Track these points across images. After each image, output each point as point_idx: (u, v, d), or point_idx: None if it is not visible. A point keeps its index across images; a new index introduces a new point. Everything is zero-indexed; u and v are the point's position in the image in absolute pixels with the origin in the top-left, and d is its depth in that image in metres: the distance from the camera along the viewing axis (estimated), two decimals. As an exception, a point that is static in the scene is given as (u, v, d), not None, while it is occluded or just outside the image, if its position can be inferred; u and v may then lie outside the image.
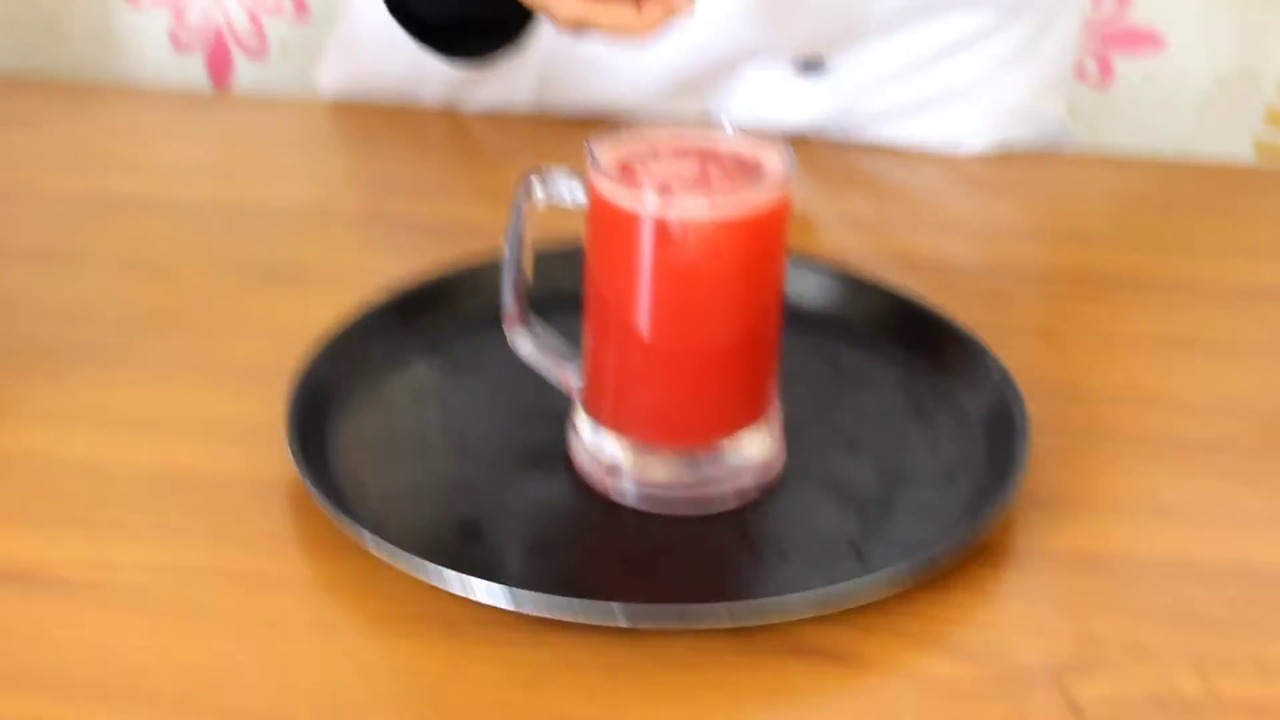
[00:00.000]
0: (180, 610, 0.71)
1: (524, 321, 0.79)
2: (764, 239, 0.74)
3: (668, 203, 0.72)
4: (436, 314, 0.89)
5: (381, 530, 0.73)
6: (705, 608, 0.70)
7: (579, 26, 0.75)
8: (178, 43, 1.43)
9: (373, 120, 1.14)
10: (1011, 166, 1.11)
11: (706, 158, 0.76)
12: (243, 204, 1.03)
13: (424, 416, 0.83)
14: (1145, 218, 1.04)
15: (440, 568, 0.70)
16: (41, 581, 0.72)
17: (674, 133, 0.77)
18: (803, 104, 1.11)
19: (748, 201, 0.72)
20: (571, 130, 1.14)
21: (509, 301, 0.79)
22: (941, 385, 0.85)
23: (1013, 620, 0.71)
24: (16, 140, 1.10)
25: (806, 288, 0.92)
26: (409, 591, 0.71)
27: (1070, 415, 0.84)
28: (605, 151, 0.75)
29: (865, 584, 0.71)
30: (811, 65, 1.10)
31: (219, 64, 1.44)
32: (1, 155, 1.09)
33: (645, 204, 0.72)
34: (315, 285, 0.94)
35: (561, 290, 0.86)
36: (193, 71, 1.43)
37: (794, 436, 0.81)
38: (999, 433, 0.80)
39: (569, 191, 0.76)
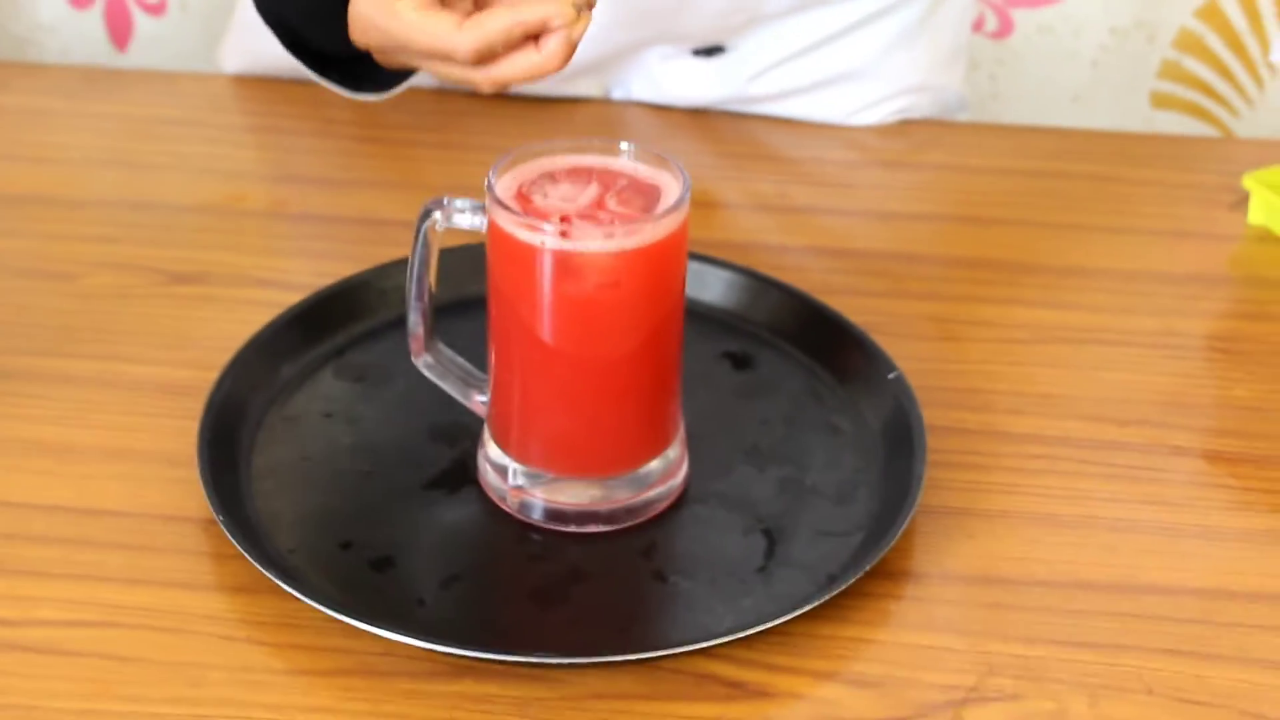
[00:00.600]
0: (100, 655, 0.72)
1: (430, 349, 0.80)
2: (662, 267, 0.76)
3: (565, 235, 0.73)
4: (344, 325, 0.90)
5: (296, 571, 0.75)
6: (614, 645, 0.72)
7: (501, 88, 0.76)
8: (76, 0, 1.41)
9: (276, 99, 1.13)
10: (907, 138, 1.12)
11: (604, 181, 0.77)
12: (148, 200, 1.02)
13: (335, 436, 0.84)
14: (1038, 193, 1.06)
15: (352, 618, 0.71)
16: (-41, 627, 0.74)
17: (572, 153, 0.78)
18: (701, 83, 1.12)
19: (645, 232, 0.74)
20: (474, 104, 1.14)
21: (414, 329, 0.80)
22: (841, 391, 0.87)
23: (912, 647, 0.74)
24: (-87, 128, 1.10)
25: (707, 285, 0.93)
26: (326, 626, 0.73)
27: (966, 421, 0.87)
28: (502, 175, 0.76)
29: (769, 613, 0.74)
30: (710, 49, 1.11)
31: (118, 21, 1.42)
32: (-102, 145, 1.08)
33: (543, 237, 0.73)
34: (223, 288, 0.95)
35: (466, 294, 0.88)
36: (91, 29, 1.41)
37: (697, 446, 0.83)
38: (897, 444, 0.83)
39: (469, 221, 0.77)
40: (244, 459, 0.82)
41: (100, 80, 1.16)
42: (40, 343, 0.90)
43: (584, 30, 0.78)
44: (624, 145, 0.78)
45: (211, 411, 0.82)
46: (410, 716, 0.70)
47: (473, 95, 1.14)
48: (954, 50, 1.15)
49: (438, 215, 0.77)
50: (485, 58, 0.76)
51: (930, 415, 0.86)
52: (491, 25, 0.75)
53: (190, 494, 0.79)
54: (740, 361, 0.90)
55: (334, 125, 1.11)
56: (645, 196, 0.76)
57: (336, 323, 0.90)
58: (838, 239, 1.02)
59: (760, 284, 0.93)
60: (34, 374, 0.88)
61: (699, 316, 0.92)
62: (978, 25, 1.39)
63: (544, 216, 0.74)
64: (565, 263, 0.73)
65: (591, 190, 0.76)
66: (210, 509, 0.77)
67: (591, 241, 0.73)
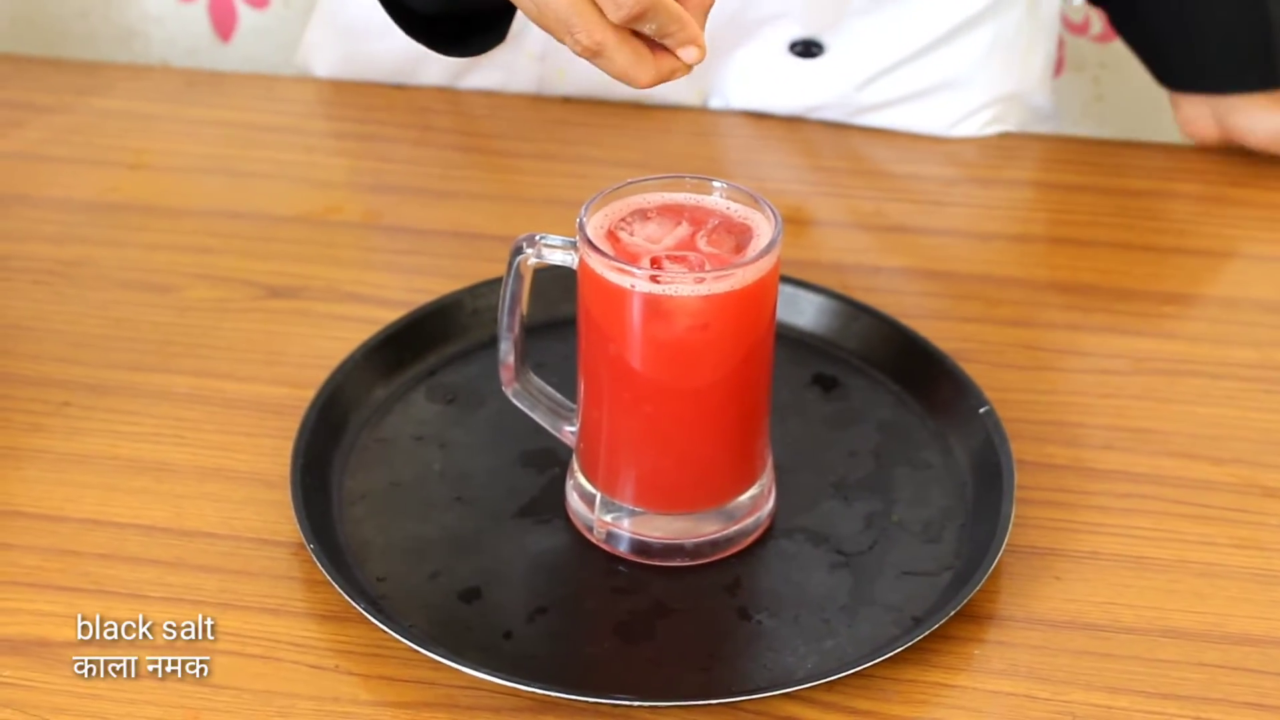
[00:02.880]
0: (193, 681, 0.74)
1: (520, 379, 0.81)
2: (752, 309, 0.76)
3: (655, 280, 0.73)
4: (437, 346, 0.91)
5: (385, 601, 0.76)
6: (695, 685, 0.73)
7: (594, 56, 0.74)
8: (181, -8, 1.42)
9: (373, 104, 1.14)
10: (1005, 152, 1.11)
11: (696, 220, 0.77)
12: (246, 210, 1.03)
13: (425, 460, 0.85)
14: (1137, 213, 1.05)
15: (436, 653, 0.72)
16: (55, 646, 0.75)
17: (664, 189, 0.78)
18: (799, 88, 1.11)
19: (736, 276, 0.74)
20: (571, 113, 1.14)
21: (504, 360, 0.80)
22: (930, 423, 0.87)
23: (995, 695, 0.74)
24: (23, 132, 1.11)
25: (799, 309, 0.93)
26: (413, 657, 0.74)
27: (1054, 456, 0.86)
28: (594, 213, 0.76)
29: (851, 656, 0.74)
30: (807, 48, 1.10)
31: (222, 14, 1.43)
32: (10, 148, 1.09)
33: (633, 280, 0.73)
34: (318, 303, 0.96)
35: (559, 314, 0.89)
36: (196, 21, 1.43)
37: (785, 477, 0.83)
38: (986, 482, 0.82)
39: (560, 258, 0.77)
40: (336, 483, 0.83)
41: (201, 83, 1.17)
42: (138, 357, 0.92)
43: (696, 59, 0.76)
44: (716, 184, 0.77)
45: (304, 434, 0.83)
46: (492, 754, 0.71)
47: (569, 103, 1.14)
48: (1046, 58, 1.14)
49: (529, 252, 0.78)
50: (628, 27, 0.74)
51: (1018, 449, 0.85)
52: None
53: (283, 517, 0.81)
54: (830, 388, 0.90)
55: (431, 133, 1.12)
56: (737, 236, 0.76)
57: (429, 343, 0.91)
58: (932, 260, 1.01)
59: (851, 309, 0.92)
60: (132, 389, 0.89)
61: (790, 341, 0.92)
62: (1083, 28, 1.37)
63: (634, 259, 0.74)
64: (655, 305, 0.74)
65: (682, 230, 0.76)
66: (301, 535, 0.78)
67: (682, 285, 0.73)
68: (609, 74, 0.74)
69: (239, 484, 0.84)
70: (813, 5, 1.08)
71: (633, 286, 0.73)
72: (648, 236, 0.76)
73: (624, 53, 0.73)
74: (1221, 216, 1.06)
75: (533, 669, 0.73)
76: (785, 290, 0.93)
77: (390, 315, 0.92)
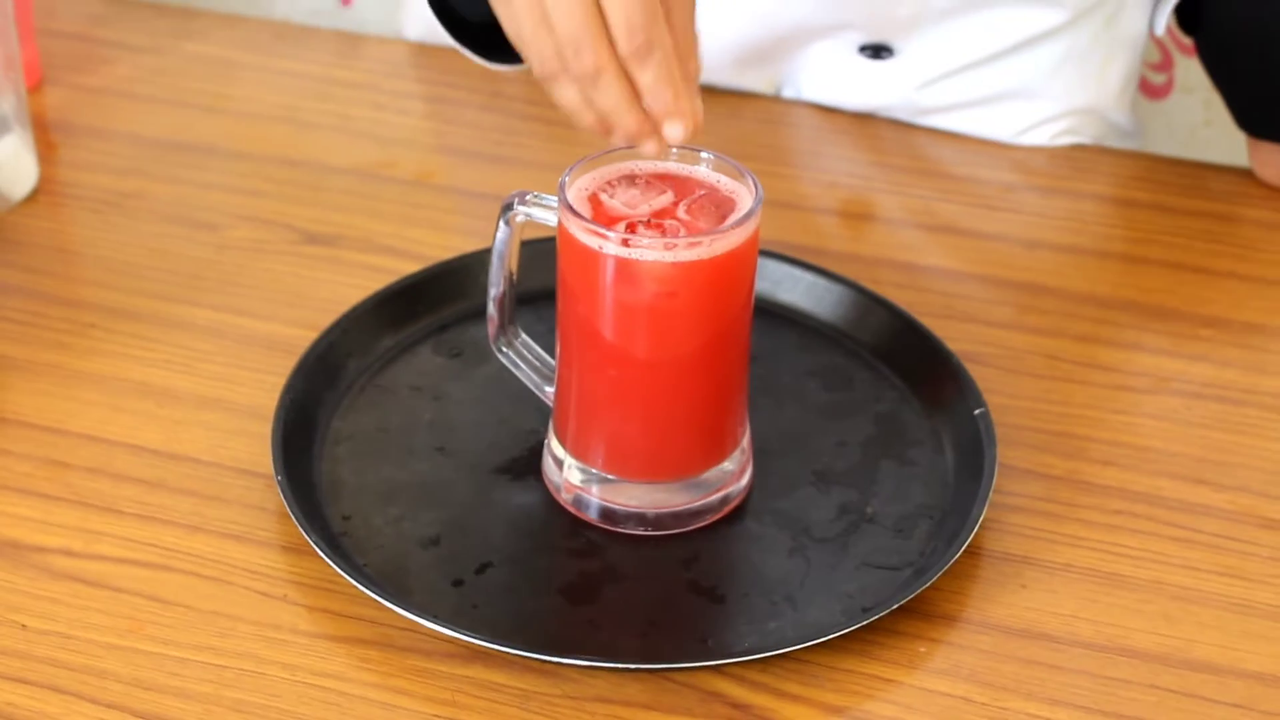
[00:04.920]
0: (143, 595, 0.76)
1: (506, 337, 0.82)
2: (724, 280, 0.75)
3: (626, 244, 0.73)
4: (453, 301, 0.92)
5: (343, 539, 0.78)
6: (626, 651, 0.73)
7: (590, 83, 0.74)
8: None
9: (452, 69, 1.16)
10: (1073, 164, 1.09)
11: (682, 190, 0.77)
12: (303, 159, 1.06)
13: (417, 410, 0.86)
14: (1196, 234, 1.02)
15: (376, 592, 0.73)
16: (25, 549, 0.78)
17: (656, 158, 0.78)
18: (868, 87, 1.11)
19: (706, 245, 0.73)
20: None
21: (491, 316, 0.81)
22: (926, 421, 0.86)
23: (929, 693, 0.72)
24: (112, 69, 1.15)
25: (819, 299, 0.92)
26: (359, 595, 0.75)
27: (1052, 466, 0.84)
28: (579, 176, 0.77)
29: (789, 639, 0.73)
30: (879, 49, 1.09)
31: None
32: (97, 84, 1.13)
33: (603, 242, 0.74)
34: (351, 253, 0.98)
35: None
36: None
37: (767, 461, 0.83)
38: (967, 483, 0.81)
39: (548, 217, 0.78)
40: (324, 422, 0.85)
41: (290, 36, 1.20)
42: (168, 288, 0.94)
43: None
44: (704, 154, 0.77)
45: (300, 372, 0.85)
46: (413, 694, 0.71)
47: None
48: (1126, 75, 1.11)
49: (520, 209, 0.78)
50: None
51: (1016, 456, 0.84)
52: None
53: (268, 450, 0.82)
54: (835, 380, 0.89)
55: (500, 100, 1.13)
56: (720, 209, 0.76)
57: (444, 298, 0.92)
58: (971, 262, 0.99)
59: (868, 301, 0.91)
60: (155, 317, 0.92)
61: (806, 329, 0.92)
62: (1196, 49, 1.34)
63: (610, 223, 0.74)
64: (624, 269, 0.74)
65: (664, 198, 0.76)
66: (272, 468, 0.80)
67: (650, 251, 0.73)
68: (597, 107, 0.74)
69: (233, 415, 0.86)
70: (877, 16, 1.07)
71: (601, 249, 0.73)
72: (627, 201, 0.76)
73: (622, 85, 0.73)
74: (1283, 245, 1.02)
75: (471, 619, 0.74)
76: (805, 278, 0.93)
77: (418, 270, 0.94)
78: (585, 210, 0.75)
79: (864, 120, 1.12)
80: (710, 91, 1.14)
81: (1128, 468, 0.84)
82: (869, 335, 0.91)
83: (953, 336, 0.91)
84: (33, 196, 1.01)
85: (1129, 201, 1.06)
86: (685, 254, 0.73)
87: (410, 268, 0.95)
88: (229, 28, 1.21)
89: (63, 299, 0.93)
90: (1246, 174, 1.08)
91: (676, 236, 0.74)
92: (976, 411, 0.84)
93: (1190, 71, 1.35)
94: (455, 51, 1.16)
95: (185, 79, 1.14)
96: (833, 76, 1.12)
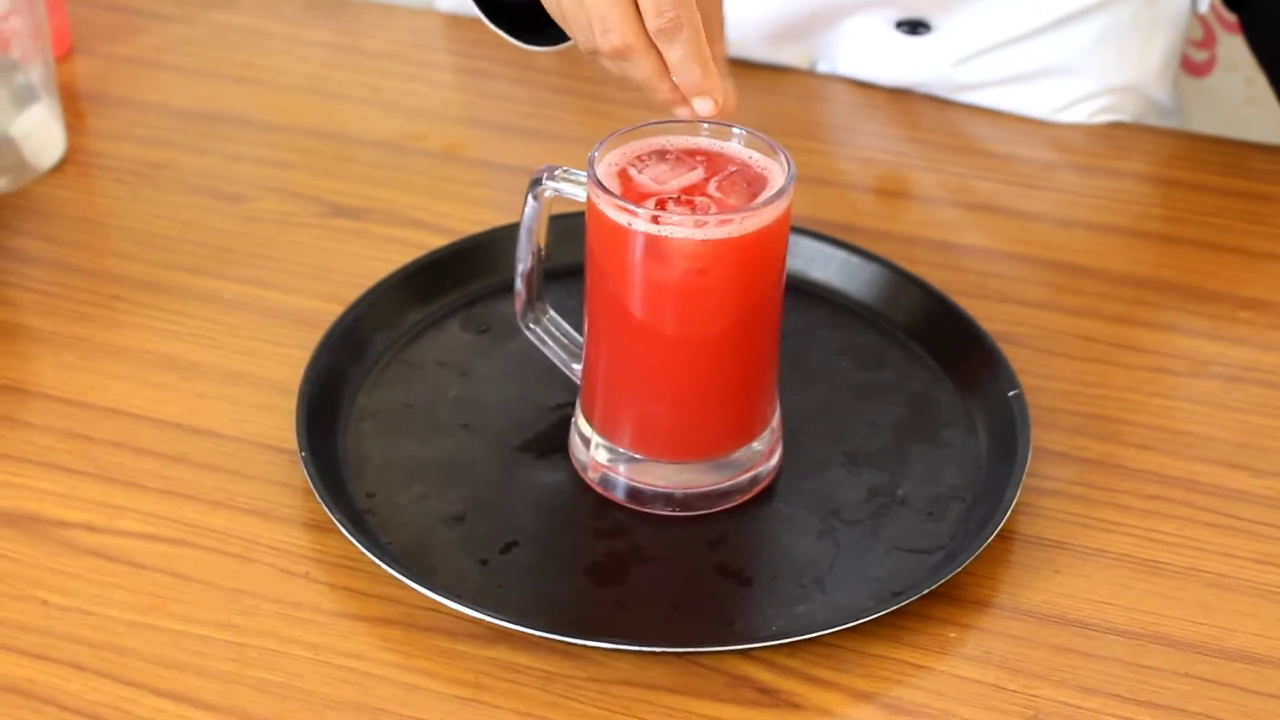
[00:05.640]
0: (165, 572, 0.75)
1: (533, 313, 0.81)
2: (754, 258, 0.74)
3: (656, 221, 0.72)
4: (481, 276, 0.91)
5: (366, 517, 0.77)
6: (651, 633, 0.72)
7: (621, 58, 0.74)
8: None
9: (483, 40, 1.14)
10: (1112, 141, 1.07)
11: (713, 165, 0.76)
12: (332, 130, 1.05)
13: (443, 385, 0.85)
14: (1237, 214, 1.00)
15: (400, 571, 0.72)
16: (47, 523, 0.77)
17: (687, 133, 0.77)
18: (905, 63, 1.09)
19: (737, 223, 0.72)
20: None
21: (519, 292, 0.80)
22: (959, 403, 0.84)
23: (960, 680, 0.71)
24: (141, 38, 1.14)
25: (852, 277, 0.91)
26: (382, 574, 0.74)
27: (1087, 450, 0.82)
28: (609, 151, 0.76)
29: (817, 623, 0.72)
30: (914, 27, 1.08)
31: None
32: (126, 53, 1.12)
33: (632, 219, 0.72)
34: (379, 225, 0.97)
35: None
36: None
37: (797, 441, 0.81)
38: (1000, 466, 0.80)
39: (576, 192, 0.77)
40: (350, 398, 0.84)
41: (320, 6, 1.18)
42: (195, 260, 0.93)
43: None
44: (736, 129, 0.76)
45: (326, 347, 0.84)
46: (437, 675, 0.71)
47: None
48: (1167, 53, 1.09)
49: (549, 184, 0.77)
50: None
51: (1051, 439, 0.83)
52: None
53: (292, 426, 0.81)
54: (867, 359, 0.87)
55: (532, 73, 1.12)
56: (751, 185, 0.75)
57: (472, 273, 0.91)
58: (1008, 241, 0.98)
59: (902, 280, 0.90)
60: (182, 290, 0.91)
61: (839, 308, 0.90)
62: (1238, 26, 1.31)
63: (640, 199, 0.73)
64: (654, 246, 0.72)
65: (695, 174, 0.75)
66: (296, 443, 0.79)
67: (680, 228, 0.72)
68: (632, 80, 0.75)
69: (258, 389, 0.85)
70: None
71: (630, 225, 0.72)
72: (656, 177, 0.74)
73: (652, 58, 0.74)
74: (1329, 227, 1.00)
75: (496, 599, 0.73)
76: (837, 255, 0.91)
77: (446, 244, 0.93)
78: (614, 186, 0.74)
79: (900, 96, 1.11)
80: (745, 66, 1.13)
81: (1165, 452, 0.83)
82: (902, 314, 0.89)
83: (987, 316, 0.89)
84: (60, 166, 1.01)
85: (1169, 180, 1.04)
86: (716, 231, 0.72)
87: (438, 241, 0.94)
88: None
89: (88, 270, 0.93)
90: (1288, 153, 1.06)
91: (707, 213, 0.72)
92: (1011, 393, 0.82)
93: (1233, 48, 1.33)
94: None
95: (215, 49, 1.13)
96: (869, 52, 1.10)
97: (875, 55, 1.10)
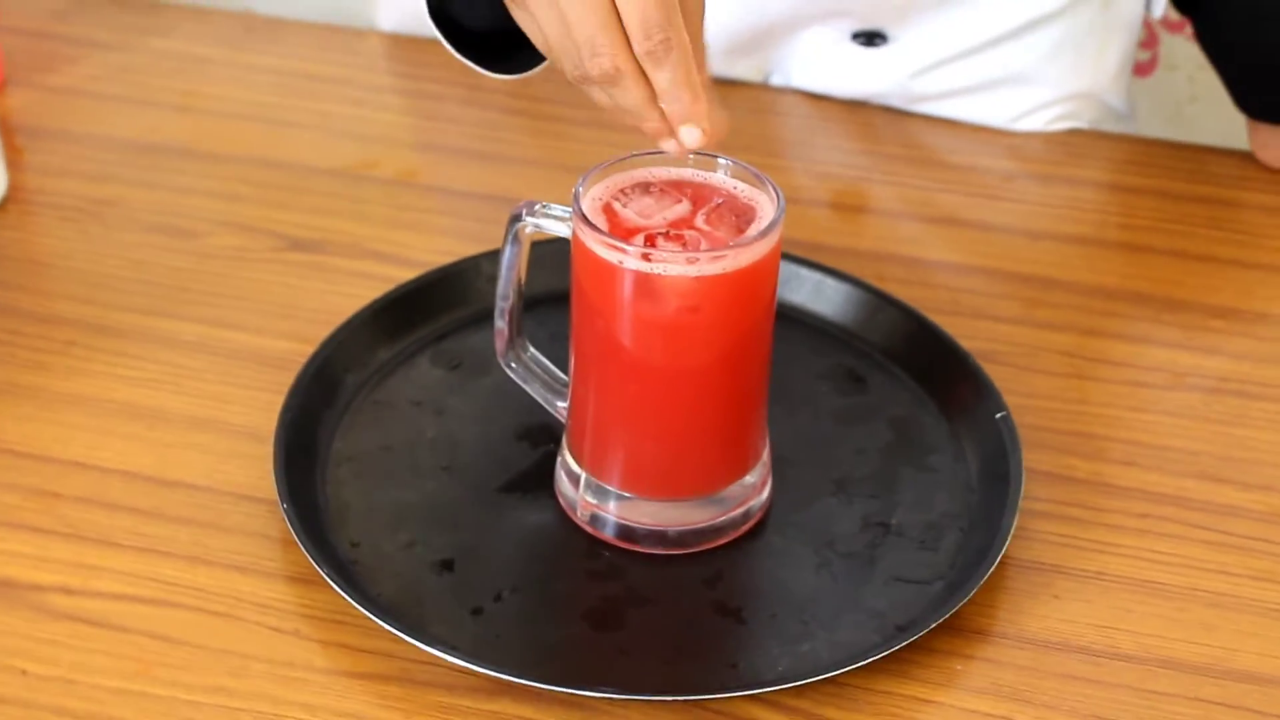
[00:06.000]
0: (148, 634, 0.72)
1: (514, 351, 0.79)
2: (746, 293, 0.72)
3: (647, 258, 0.70)
4: (448, 310, 0.89)
5: (355, 568, 0.74)
6: (659, 680, 0.70)
7: (610, 83, 0.71)
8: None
9: (429, 61, 1.12)
10: (1070, 149, 1.07)
11: (698, 198, 0.74)
12: (281, 160, 1.02)
13: (420, 426, 0.83)
14: (1202, 221, 1.00)
15: (397, 626, 0.70)
16: (20, 588, 0.74)
17: (670, 164, 0.75)
18: (861, 74, 1.08)
19: (730, 258, 0.71)
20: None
21: (499, 329, 0.78)
22: (945, 425, 0.83)
23: (970, 714, 0.70)
24: (77, 68, 1.11)
25: (824, 297, 0.90)
26: (374, 627, 0.72)
27: (1074, 469, 0.82)
28: (593, 185, 0.74)
29: (825, 662, 0.71)
30: (870, 38, 1.07)
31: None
32: (62, 84, 1.09)
33: (623, 256, 0.71)
34: (339, 258, 0.94)
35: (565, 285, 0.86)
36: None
37: (785, 470, 0.80)
38: (992, 491, 0.79)
39: (559, 229, 0.75)
40: (325, 442, 0.81)
41: (260, 29, 1.16)
42: (150, 301, 0.90)
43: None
44: (721, 160, 0.74)
45: (297, 391, 0.82)
46: (438, 732, 0.69)
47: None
48: (1122, 58, 1.09)
49: (529, 220, 0.75)
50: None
51: (1035, 458, 0.82)
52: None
53: (266, 473, 0.79)
54: (847, 382, 0.86)
55: (480, 93, 1.10)
56: (739, 217, 0.73)
57: (440, 307, 0.89)
58: (976, 255, 0.97)
59: (877, 300, 0.89)
60: (139, 333, 0.88)
61: (813, 330, 0.89)
62: (1180, 25, 1.32)
63: (627, 235, 0.71)
64: (645, 284, 0.71)
65: (681, 207, 0.73)
66: (275, 493, 0.76)
67: (673, 265, 0.70)
68: (621, 107, 0.71)
69: (228, 437, 0.82)
70: (871, 2, 1.05)
71: (621, 263, 0.71)
72: (641, 211, 0.73)
73: (642, 83, 0.71)
74: (1288, 230, 1.01)
75: (495, 650, 0.71)
76: (810, 277, 0.90)
77: (411, 275, 0.90)
78: (600, 221, 0.72)
79: (856, 108, 1.10)
80: (695, 80, 1.11)
81: (1151, 468, 0.82)
82: (879, 335, 0.88)
83: (963, 334, 0.88)
84: (1, 205, 0.97)
85: (1129, 188, 1.04)
86: (709, 267, 0.70)
87: (399, 273, 0.91)
88: (196, 21, 1.17)
89: (39, 315, 0.90)
90: (1245, 157, 1.06)
91: (698, 249, 0.71)
92: (998, 415, 0.81)
93: (1174, 48, 1.34)
94: (432, 43, 1.13)
95: (154, 76, 1.10)
96: (825, 64, 1.09)
97: (831, 67, 1.09)
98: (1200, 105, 1.33)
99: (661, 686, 0.70)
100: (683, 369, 0.73)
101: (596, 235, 0.71)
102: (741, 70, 1.11)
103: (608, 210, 0.73)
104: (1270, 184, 1.04)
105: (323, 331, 0.86)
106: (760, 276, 0.72)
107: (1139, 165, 1.06)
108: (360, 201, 0.99)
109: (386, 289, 0.89)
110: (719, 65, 1.11)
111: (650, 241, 0.71)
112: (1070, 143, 1.07)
